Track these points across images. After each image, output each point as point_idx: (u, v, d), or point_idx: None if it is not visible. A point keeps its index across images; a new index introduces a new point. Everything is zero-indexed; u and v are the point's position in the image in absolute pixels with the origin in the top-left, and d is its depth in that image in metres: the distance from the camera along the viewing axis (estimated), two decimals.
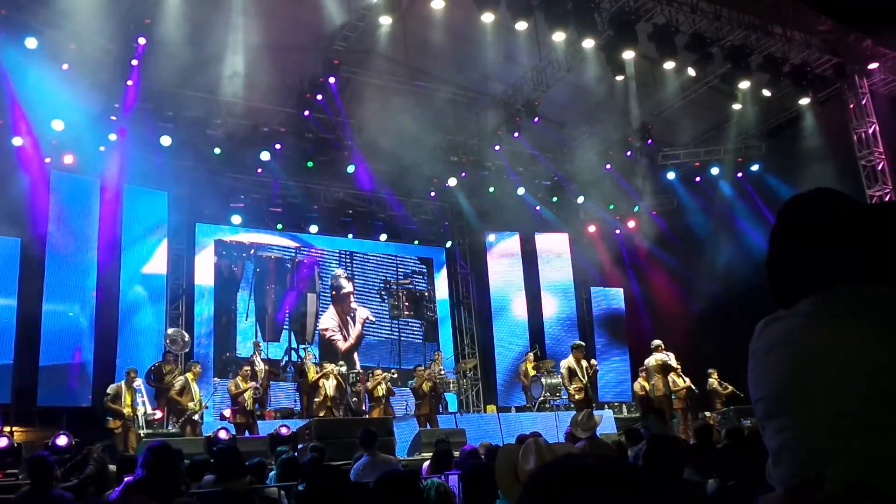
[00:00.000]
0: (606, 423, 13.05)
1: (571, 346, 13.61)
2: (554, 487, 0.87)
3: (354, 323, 17.66)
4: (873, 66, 14.74)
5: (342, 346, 17.24)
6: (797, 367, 1.42)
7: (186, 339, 14.14)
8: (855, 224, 1.50)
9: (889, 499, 1.23)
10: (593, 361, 13.48)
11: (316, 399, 13.24)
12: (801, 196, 1.60)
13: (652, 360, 12.90)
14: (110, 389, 11.44)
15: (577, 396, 12.78)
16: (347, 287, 17.83)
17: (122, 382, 11.49)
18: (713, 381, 14.42)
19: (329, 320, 17.38)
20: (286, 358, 16.53)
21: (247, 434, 11.68)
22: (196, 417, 11.63)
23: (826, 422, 1.34)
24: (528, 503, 0.87)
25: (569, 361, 13.05)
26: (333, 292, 17.66)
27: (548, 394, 14.74)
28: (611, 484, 0.86)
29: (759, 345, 1.50)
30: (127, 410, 11.20)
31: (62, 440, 9.35)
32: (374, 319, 17.81)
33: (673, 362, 12.88)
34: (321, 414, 12.85)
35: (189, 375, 11.98)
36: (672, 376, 13.28)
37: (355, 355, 17.30)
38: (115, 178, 13.99)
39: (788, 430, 1.41)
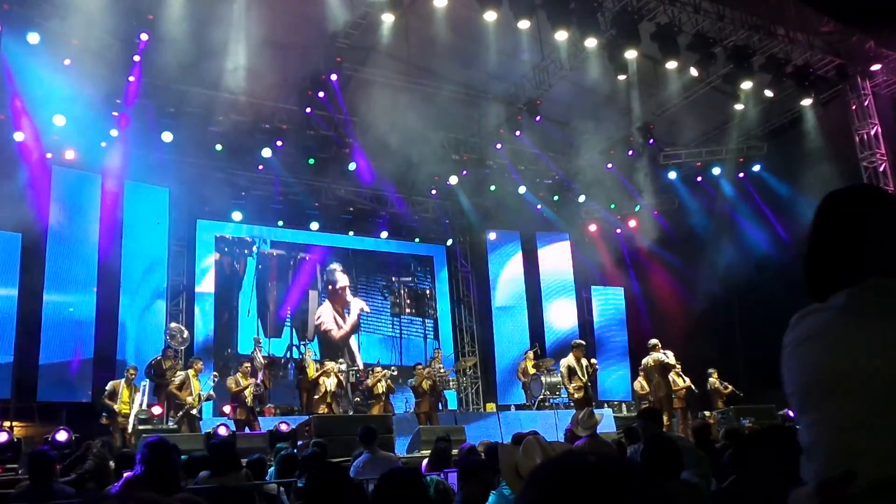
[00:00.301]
0: (606, 421, 13.01)
1: (571, 344, 13.59)
2: (556, 483, 0.87)
3: (349, 314, 17.67)
4: (876, 67, 14.71)
5: (336, 334, 17.23)
6: (827, 362, 1.40)
7: (186, 335, 14.14)
8: (887, 218, 1.48)
9: None
10: (593, 361, 13.43)
11: (315, 396, 13.24)
12: (838, 191, 1.57)
13: (649, 360, 12.88)
14: (109, 386, 11.45)
15: (576, 395, 12.76)
16: (342, 281, 17.82)
17: (122, 380, 11.49)
18: (713, 380, 14.43)
19: (324, 313, 17.40)
20: (287, 354, 16.55)
21: (247, 430, 11.68)
22: (194, 412, 11.62)
23: (856, 417, 1.33)
24: (531, 499, 0.87)
25: (568, 360, 13.03)
26: (329, 286, 17.67)
27: (547, 392, 14.73)
28: (611, 481, 0.86)
29: (791, 338, 1.49)
30: (123, 408, 11.19)
31: (62, 435, 9.36)
32: (368, 310, 17.80)
33: (671, 360, 12.85)
34: (321, 410, 12.85)
35: (190, 372, 11.98)
36: (672, 375, 13.26)
37: (356, 351, 17.30)
38: (117, 173, 14.00)
39: (819, 426, 1.40)
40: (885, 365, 1.31)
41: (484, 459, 4.70)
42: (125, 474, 4.68)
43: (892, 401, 1.30)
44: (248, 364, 12.84)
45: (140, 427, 11.19)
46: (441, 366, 14.94)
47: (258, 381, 12.54)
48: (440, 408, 14.38)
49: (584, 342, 13.84)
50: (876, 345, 1.34)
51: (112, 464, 7.35)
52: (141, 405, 11.55)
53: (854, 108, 14.83)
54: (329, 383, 13.28)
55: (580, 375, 12.75)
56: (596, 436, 7.08)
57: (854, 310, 1.41)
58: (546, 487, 0.88)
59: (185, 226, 15.91)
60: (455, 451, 7.57)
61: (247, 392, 12.25)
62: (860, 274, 1.43)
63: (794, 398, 1.47)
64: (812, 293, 1.50)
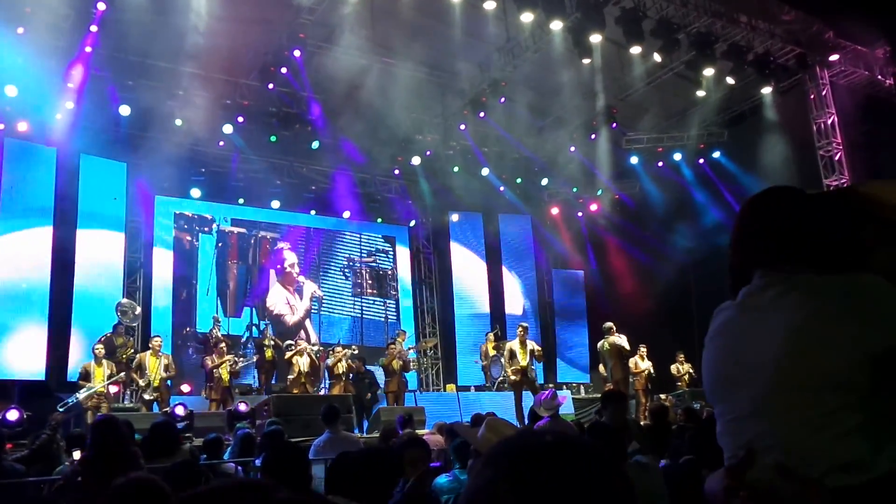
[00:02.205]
0: (565, 403, 13.19)
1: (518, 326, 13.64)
2: (514, 462, 0.87)
3: (301, 297, 17.49)
4: (834, 57, 14.92)
5: (289, 320, 17.07)
6: (725, 358, 1.52)
7: (137, 312, 13.90)
8: (781, 213, 1.55)
9: (804, 479, 1.30)
10: (538, 347, 13.35)
11: (289, 376, 13.14)
12: (757, 193, 1.65)
13: (605, 344, 12.99)
14: (81, 369, 11.26)
15: (512, 378, 12.76)
16: (290, 258, 17.60)
17: (92, 361, 11.29)
18: (678, 363, 14.59)
19: (274, 297, 17.19)
20: (247, 334, 16.39)
21: (222, 409, 11.60)
22: (147, 396, 11.38)
23: (749, 407, 1.44)
24: (488, 477, 0.86)
25: (512, 343, 13.09)
26: (277, 266, 17.48)
27: (507, 374, 14.80)
28: (568, 459, 0.86)
29: (708, 335, 1.61)
30: (98, 387, 10.97)
31: (13, 414, 9.15)
32: (321, 294, 17.60)
33: (626, 345, 12.97)
34: (295, 391, 12.76)
35: (148, 352, 11.78)
36: (636, 358, 13.44)
37: (311, 331, 17.16)
38: (72, 147, 13.66)
39: (723, 417, 1.52)
40: (769, 356, 1.40)
41: (415, 437, 4.72)
42: (75, 454, 4.60)
43: (773, 390, 1.39)
44: (224, 343, 12.72)
45: (113, 406, 11.04)
46: (401, 348, 14.93)
47: (237, 358, 12.41)
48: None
49: (526, 324, 13.85)
50: (761, 337, 1.43)
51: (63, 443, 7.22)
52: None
53: (812, 97, 15.06)
54: (303, 363, 13.19)
55: (519, 359, 12.74)
56: (558, 417, 7.16)
57: (746, 305, 1.52)
58: (503, 466, 0.86)
59: (143, 201, 15.61)
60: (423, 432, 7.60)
61: (222, 370, 12.12)
62: (758, 268, 1.53)
63: (706, 393, 1.59)
64: (732, 290, 1.59)
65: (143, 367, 11.54)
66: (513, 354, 12.82)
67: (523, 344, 12.80)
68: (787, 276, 1.47)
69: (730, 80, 14.81)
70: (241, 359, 12.51)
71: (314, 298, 17.44)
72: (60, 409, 10.53)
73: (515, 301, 18.74)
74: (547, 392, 7.38)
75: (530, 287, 19.10)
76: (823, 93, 14.92)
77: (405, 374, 14.01)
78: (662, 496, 3.59)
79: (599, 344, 13.28)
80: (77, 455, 6.05)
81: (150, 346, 11.94)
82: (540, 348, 13.37)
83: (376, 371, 13.88)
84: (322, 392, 13.42)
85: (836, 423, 1.33)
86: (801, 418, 1.36)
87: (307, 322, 17.31)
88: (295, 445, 4.87)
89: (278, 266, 17.41)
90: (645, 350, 13.73)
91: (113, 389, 11.71)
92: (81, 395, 10.81)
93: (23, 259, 12.83)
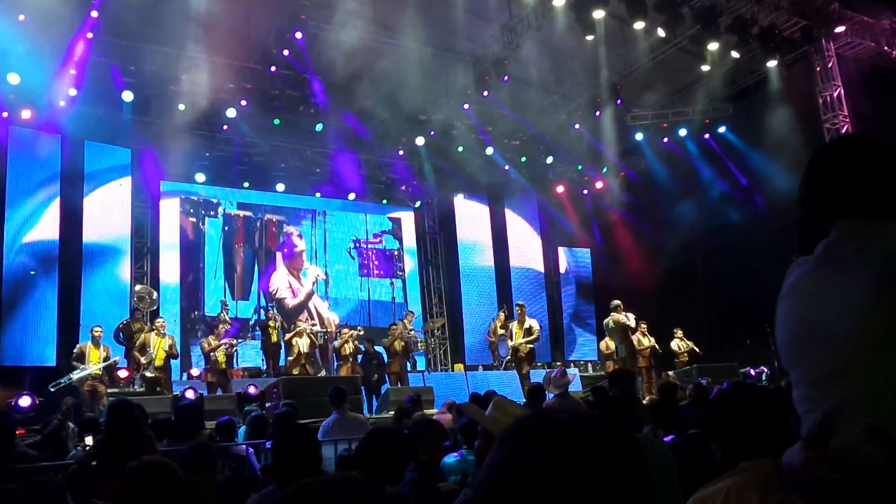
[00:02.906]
0: (573, 381, 13.22)
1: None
2: (531, 440, 0.86)
3: (305, 281, 17.57)
4: (840, 29, 14.78)
5: (290, 302, 17.14)
6: (801, 317, 1.41)
7: (154, 297, 13.99)
8: (861, 160, 1.45)
9: None
10: (537, 326, 13.37)
11: (289, 357, 13.21)
12: (829, 142, 1.56)
13: (610, 322, 13.00)
14: (76, 349, 11.32)
15: (508, 356, 12.87)
16: (299, 245, 17.66)
17: (89, 341, 11.36)
18: (677, 340, 14.60)
19: (278, 279, 17.26)
20: (256, 317, 16.45)
21: (219, 392, 11.65)
22: (149, 373, 11.45)
23: (828, 370, 1.33)
24: (504, 456, 0.86)
25: (513, 322, 13.18)
26: (284, 250, 17.51)
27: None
28: (583, 435, 0.86)
29: (781, 293, 1.48)
30: (93, 369, 11.06)
31: (25, 401, 9.23)
32: (324, 277, 17.66)
33: (632, 322, 12.97)
34: (294, 372, 12.84)
35: (153, 333, 11.83)
36: (638, 335, 13.44)
37: (324, 313, 17.22)
38: (76, 133, 13.67)
39: (800, 381, 1.41)
40: (851, 313, 1.30)
41: (431, 421, 4.75)
42: (87, 439, 4.64)
43: (857, 351, 1.29)
44: (223, 326, 12.77)
45: (108, 391, 11.09)
46: (411, 328, 14.97)
47: (232, 342, 12.46)
48: (409, 368, 14.43)
49: (522, 303, 13.91)
50: (840, 293, 1.33)
51: (73, 427, 7.28)
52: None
53: (818, 69, 14.93)
54: (302, 344, 13.25)
55: (513, 338, 12.84)
56: (567, 394, 7.22)
57: (824, 260, 1.40)
58: (521, 445, 0.86)
59: (148, 187, 15.64)
60: (432, 411, 7.65)
61: (219, 353, 12.18)
62: (835, 221, 1.41)
63: (781, 356, 1.47)
64: (801, 247, 1.48)
65: (147, 345, 11.59)
66: (511, 334, 12.94)
67: (521, 323, 12.89)
68: (869, 226, 1.36)
69: (734, 54, 14.68)
70: (235, 340, 12.50)
71: (317, 282, 17.47)
72: (52, 389, 10.63)
73: (523, 279, 18.75)
74: (556, 370, 7.44)
75: (537, 265, 19.10)
76: (829, 65, 14.80)
77: (413, 354, 14.07)
78: (670, 470, 3.61)
79: (605, 321, 13.30)
80: (89, 440, 6.11)
81: (155, 326, 11.98)
82: (538, 327, 13.41)
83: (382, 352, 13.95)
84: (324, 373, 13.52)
85: None
86: (887, 380, 1.26)
87: (315, 304, 17.35)
88: (304, 427, 4.91)
89: (285, 250, 17.46)
90: (646, 327, 13.71)
91: (123, 374, 11.78)
92: (75, 376, 10.88)
93: (31, 246, 12.89)
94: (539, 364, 15.90)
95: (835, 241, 1.39)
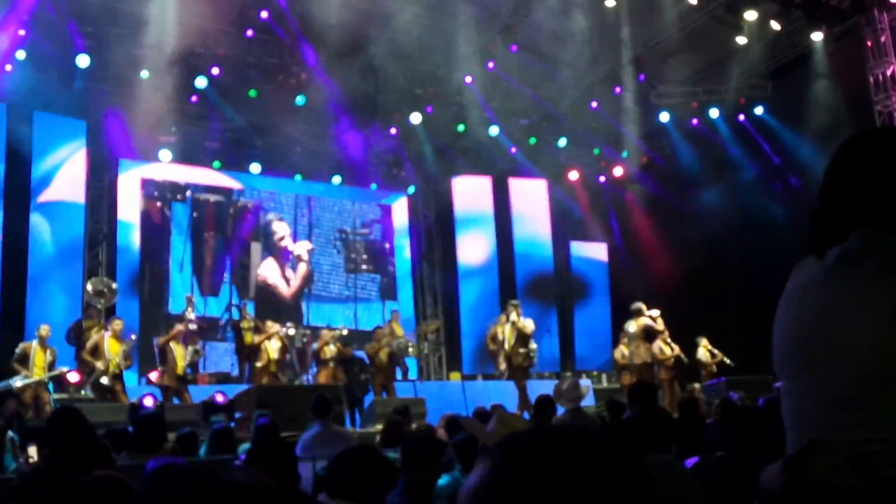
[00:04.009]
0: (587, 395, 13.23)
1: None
2: (521, 454, 0.87)
3: (296, 267, 17.62)
4: None
5: (286, 292, 17.20)
6: (806, 327, 1.42)
7: (114, 287, 13.94)
8: (883, 155, 1.45)
9: (887, 482, 1.25)
10: (529, 326, 13.13)
11: (258, 363, 13.23)
12: (857, 134, 1.55)
13: (632, 325, 13.02)
14: (18, 349, 11.29)
15: (502, 366, 12.79)
16: (280, 230, 17.70)
17: (34, 341, 11.33)
18: (703, 349, 14.61)
19: (267, 269, 17.31)
20: (226, 315, 16.46)
21: (176, 401, 11.63)
22: (105, 381, 11.40)
23: (835, 393, 1.35)
24: (493, 470, 0.87)
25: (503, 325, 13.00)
26: (267, 240, 17.56)
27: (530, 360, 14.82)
28: (583, 452, 0.86)
29: (785, 293, 1.50)
30: (37, 373, 11.05)
31: None
32: (313, 247, 17.82)
33: (659, 326, 12.97)
34: (263, 380, 12.86)
35: (108, 333, 11.79)
36: (659, 343, 13.44)
37: (302, 308, 17.27)
38: (24, 102, 13.63)
39: (794, 395, 1.43)
40: (869, 339, 1.31)
41: (433, 439, 4.75)
42: (30, 450, 4.63)
43: (868, 376, 1.31)
44: (182, 326, 12.75)
45: (55, 396, 11.09)
46: (400, 329, 14.97)
47: (198, 348, 12.41)
48: (399, 377, 14.45)
49: (517, 301, 13.77)
50: (858, 314, 1.34)
51: (11, 436, 7.28)
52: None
53: (869, 44, 14.91)
54: (273, 348, 13.27)
55: (505, 344, 12.70)
56: (579, 409, 7.22)
57: (838, 271, 1.40)
58: (512, 459, 0.86)
59: (105, 165, 15.62)
60: (415, 426, 7.65)
61: (177, 355, 12.16)
62: (855, 227, 1.40)
63: (775, 361, 1.48)
64: (813, 246, 1.47)
65: (102, 350, 11.52)
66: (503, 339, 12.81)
67: (514, 325, 12.74)
68: (892, 241, 1.36)
69: (775, 25, 14.68)
70: (200, 345, 12.48)
71: (311, 255, 17.55)
72: None
73: (529, 277, 18.74)
74: (567, 381, 7.46)
75: (546, 261, 19.10)
76: (882, 39, 14.77)
77: (404, 360, 14.06)
78: (695, 498, 3.62)
79: (626, 325, 13.32)
80: (33, 451, 6.11)
81: (111, 328, 11.90)
82: (531, 327, 13.16)
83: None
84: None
85: None
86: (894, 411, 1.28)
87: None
88: (283, 441, 4.93)
89: (267, 240, 17.50)
90: (668, 335, 13.70)
91: (73, 378, 11.75)
92: (17, 382, 10.83)
93: None
94: (546, 374, 15.94)
95: (851, 252, 1.39)
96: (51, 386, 11.50)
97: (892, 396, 1.28)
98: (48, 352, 11.33)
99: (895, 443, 1.27)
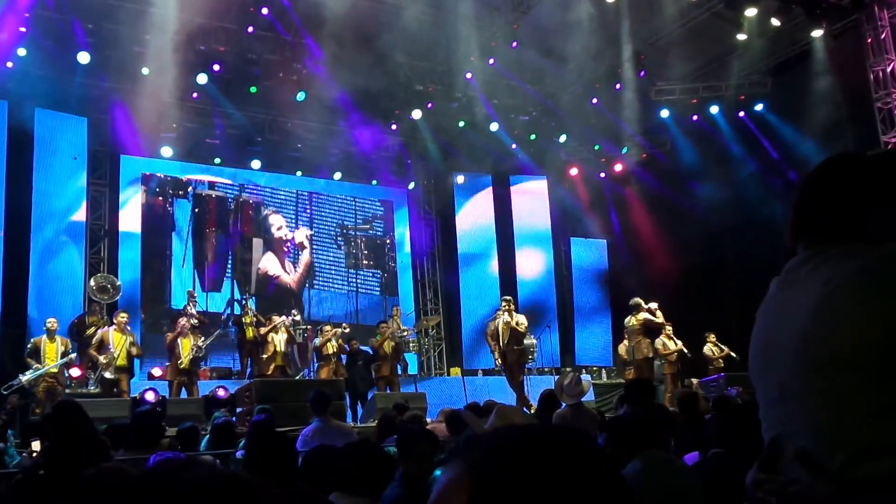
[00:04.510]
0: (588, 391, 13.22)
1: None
2: (484, 454, 0.86)
3: (297, 258, 17.67)
4: None
5: (289, 280, 17.24)
6: (759, 339, 1.58)
7: (118, 285, 13.98)
8: (829, 179, 1.59)
9: (820, 468, 1.35)
10: (522, 322, 13.05)
11: (264, 356, 13.22)
12: (833, 157, 1.67)
13: (632, 321, 13.01)
14: (30, 344, 11.32)
15: (499, 362, 12.77)
16: (276, 223, 17.74)
17: (44, 336, 11.34)
18: (709, 344, 14.56)
19: (267, 262, 17.34)
20: (228, 310, 16.48)
21: (184, 394, 11.68)
22: (109, 374, 11.45)
23: (776, 392, 1.49)
24: (457, 470, 0.87)
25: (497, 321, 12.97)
26: (265, 235, 17.58)
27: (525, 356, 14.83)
28: (550, 453, 0.86)
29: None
30: (48, 368, 11.05)
31: None
32: (311, 232, 17.86)
33: (658, 318, 12.94)
34: (269, 372, 12.86)
35: (113, 328, 11.81)
36: (663, 338, 13.44)
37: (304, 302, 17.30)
38: (25, 99, 13.63)
39: (760, 400, 1.57)
40: (794, 335, 1.44)
41: (423, 430, 4.77)
42: (34, 444, 4.65)
43: (799, 372, 1.43)
44: (186, 320, 12.76)
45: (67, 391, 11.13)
46: (401, 325, 14.98)
47: (200, 345, 12.40)
48: (399, 372, 14.46)
49: (510, 297, 13.71)
50: (790, 315, 1.47)
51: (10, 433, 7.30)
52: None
53: (870, 41, 14.88)
54: (279, 341, 13.27)
55: (500, 340, 12.66)
56: (580, 405, 7.24)
57: (785, 281, 1.56)
58: (475, 458, 0.86)
59: (107, 161, 15.63)
60: (404, 417, 7.66)
61: (183, 349, 12.17)
62: (810, 241, 1.55)
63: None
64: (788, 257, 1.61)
65: (106, 343, 11.55)
66: (493, 334, 12.81)
67: (507, 321, 12.71)
68: (824, 248, 1.50)
69: (775, 22, 14.65)
70: (202, 341, 12.47)
71: (311, 240, 17.58)
72: (4, 392, 10.65)
73: (529, 274, 18.74)
74: (570, 377, 7.47)
75: (546, 257, 19.10)
76: (882, 36, 14.75)
77: (403, 355, 14.08)
78: (694, 495, 3.62)
79: (626, 320, 13.31)
80: (36, 445, 6.13)
81: (115, 321, 11.95)
82: (524, 324, 13.10)
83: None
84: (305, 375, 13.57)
85: (859, 406, 1.35)
86: (823, 402, 1.39)
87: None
88: (282, 436, 4.93)
89: (265, 235, 17.52)
90: (671, 329, 13.70)
91: (75, 373, 11.78)
92: (27, 376, 10.87)
93: None
94: (547, 369, 15.95)
95: (793, 265, 1.55)
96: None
97: (815, 385, 1.40)
98: (59, 342, 11.34)
99: (825, 429, 1.38)
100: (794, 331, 1.43)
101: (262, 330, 13.47)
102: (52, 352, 11.20)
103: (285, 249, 17.66)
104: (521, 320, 12.97)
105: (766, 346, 1.54)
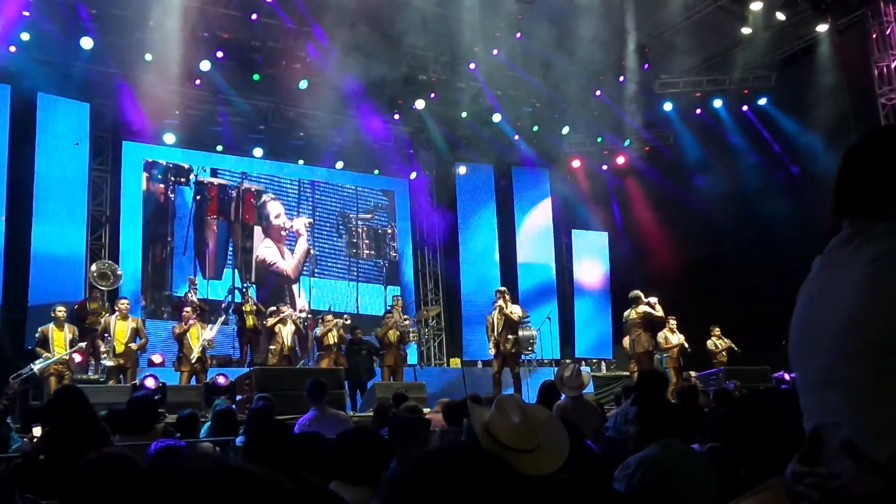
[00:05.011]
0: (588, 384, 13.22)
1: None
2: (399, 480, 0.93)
3: (294, 245, 17.72)
4: None
5: (286, 267, 17.25)
6: (800, 320, 1.48)
7: (119, 273, 13.98)
8: (874, 154, 1.50)
9: (867, 461, 1.26)
10: (518, 312, 12.94)
11: (271, 347, 13.25)
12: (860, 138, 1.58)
13: (631, 313, 13.01)
14: (38, 333, 11.31)
15: (492, 352, 12.76)
16: (274, 209, 17.73)
17: (51, 324, 11.33)
18: (713, 337, 14.56)
19: (265, 249, 17.36)
20: (229, 298, 16.47)
21: (194, 381, 11.71)
22: (110, 362, 11.51)
23: (818, 377, 1.40)
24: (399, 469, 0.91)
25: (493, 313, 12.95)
26: (264, 223, 17.58)
27: (519, 346, 14.83)
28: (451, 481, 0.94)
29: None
30: (58, 352, 11.05)
31: None
32: (309, 221, 17.89)
33: (658, 311, 12.94)
34: (273, 362, 12.89)
35: (116, 315, 11.81)
36: (665, 331, 13.44)
37: (296, 295, 17.30)
38: (28, 84, 13.61)
39: (799, 387, 1.47)
40: (838, 316, 1.36)
41: (416, 417, 4.79)
42: (35, 430, 4.66)
43: (843, 356, 1.35)
44: (189, 309, 12.75)
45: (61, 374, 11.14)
46: (404, 316, 14.98)
47: (209, 338, 12.38)
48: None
49: (504, 288, 13.66)
50: (834, 296, 1.39)
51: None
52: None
53: (874, 36, 14.84)
54: (286, 333, 13.28)
55: (495, 330, 12.59)
56: (581, 396, 7.27)
57: (828, 260, 1.47)
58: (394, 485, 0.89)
59: (109, 147, 15.62)
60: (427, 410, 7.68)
61: (192, 339, 12.17)
62: (854, 217, 1.46)
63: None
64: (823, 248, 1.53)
65: (109, 331, 11.60)
66: (490, 325, 12.81)
67: (502, 312, 12.68)
68: (869, 225, 1.42)
69: (780, 16, 14.62)
70: (210, 332, 12.46)
71: (310, 229, 17.61)
72: (12, 380, 10.66)
73: (530, 264, 18.75)
74: (570, 369, 7.47)
75: (547, 249, 19.09)
76: (887, 31, 14.71)
77: (404, 346, 14.10)
78: (708, 483, 3.60)
79: (626, 314, 13.31)
80: (37, 431, 6.14)
81: (117, 308, 11.98)
82: (519, 314, 13.00)
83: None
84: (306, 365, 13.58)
85: None
86: (869, 388, 1.31)
87: (294, 286, 17.45)
88: (281, 423, 4.94)
89: (264, 223, 17.51)
90: (675, 322, 13.70)
91: (77, 359, 11.80)
92: (38, 365, 10.87)
93: None
94: (546, 361, 15.95)
95: (837, 243, 1.46)
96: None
97: (859, 371, 1.32)
98: (67, 330, 11.34)
99: (869, 419, 1.30)
100: (838, 312, 1.36)
101: (270, 321, 13.47)
102: (61, 340, 11.19)
103: (283, 235, 17.66)
104: (516, 309, 12.92)
105: (807, 329, 1.46)
